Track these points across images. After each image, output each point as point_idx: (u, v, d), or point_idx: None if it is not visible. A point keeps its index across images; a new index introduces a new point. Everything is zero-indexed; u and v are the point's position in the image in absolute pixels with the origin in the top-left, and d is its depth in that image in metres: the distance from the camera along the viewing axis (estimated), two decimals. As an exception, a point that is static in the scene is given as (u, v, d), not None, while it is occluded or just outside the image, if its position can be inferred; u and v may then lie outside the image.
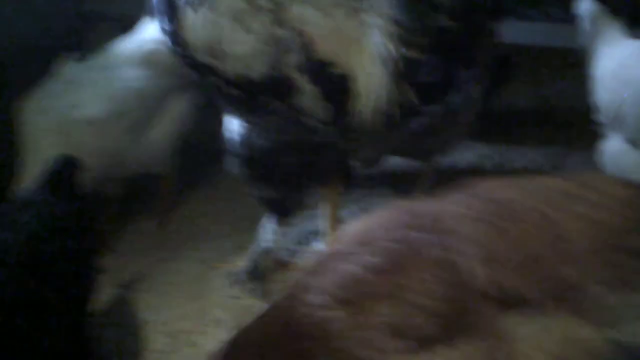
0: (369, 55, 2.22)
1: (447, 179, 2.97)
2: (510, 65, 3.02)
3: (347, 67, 2.21)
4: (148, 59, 2.80)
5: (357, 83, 2.22)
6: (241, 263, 2.68)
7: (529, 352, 1.61)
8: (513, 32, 3.12)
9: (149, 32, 2.83)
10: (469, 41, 2.24)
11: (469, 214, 1.68)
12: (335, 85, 2.21)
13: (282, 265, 2.69)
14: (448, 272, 1.60)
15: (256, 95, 2.20)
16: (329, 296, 1.58)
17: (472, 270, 1.61)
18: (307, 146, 2.36)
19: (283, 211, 2.59)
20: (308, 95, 2.19)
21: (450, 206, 1.72)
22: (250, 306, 2.52)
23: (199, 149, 3.15)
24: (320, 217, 2.74)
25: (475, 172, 3.22)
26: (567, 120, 3.52)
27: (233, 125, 2.45)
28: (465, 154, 3.34)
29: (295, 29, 2.16)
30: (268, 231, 2.66)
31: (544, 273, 1.64)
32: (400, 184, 3.15)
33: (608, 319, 1.68)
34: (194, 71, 2.20)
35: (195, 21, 2.10)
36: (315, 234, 2.82)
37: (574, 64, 3.70)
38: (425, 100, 2.24)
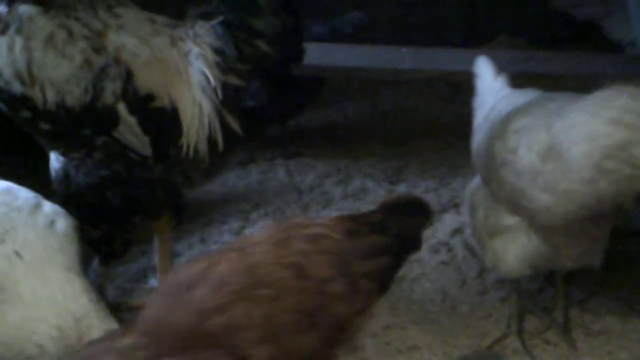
0: (192, 85, 2.18)
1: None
2: (320, 85, 3.09)
3: (170, 99, 2.16)
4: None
5: (181, 115, 2.17)
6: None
7: None
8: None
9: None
10: (287, 65, 2.24)
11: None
12: (157, 117, 2.15)
13: (115, 306, 2.57)
14: None
15: (76, 128, 2.11)
16: None
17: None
18: (133, 181, 2.26)
19: (109, 252, 2.45)
20: (130, 128, 2.13)
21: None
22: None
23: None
24: (154, 253, 2.64)
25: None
26: (403, 135, 3.61)
27: (52, 163, 2.34)
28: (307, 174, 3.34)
29: (113, 57, 2.10)
30: (93, 272, 2.49)
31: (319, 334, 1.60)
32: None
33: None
34: (3, 104, 2.09)
35: (0, 45, 2.02)
36: (151, 270, 2.72)
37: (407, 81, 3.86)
38: (250, 127, 2.21)
